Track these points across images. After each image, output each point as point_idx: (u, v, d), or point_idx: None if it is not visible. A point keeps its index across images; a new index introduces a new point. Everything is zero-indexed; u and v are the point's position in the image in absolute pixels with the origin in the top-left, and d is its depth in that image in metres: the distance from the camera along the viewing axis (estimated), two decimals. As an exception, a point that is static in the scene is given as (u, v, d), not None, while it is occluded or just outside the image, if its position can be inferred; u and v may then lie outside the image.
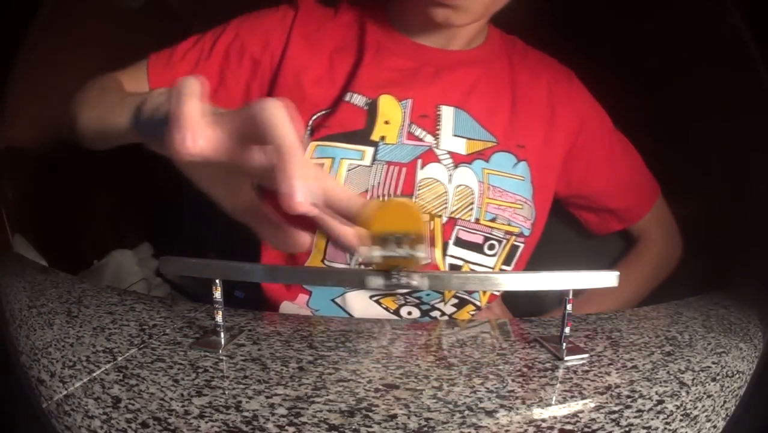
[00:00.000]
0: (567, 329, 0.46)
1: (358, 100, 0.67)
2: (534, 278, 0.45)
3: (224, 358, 0.46)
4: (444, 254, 0.65)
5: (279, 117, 0.33)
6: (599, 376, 0.44)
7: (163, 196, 1.02)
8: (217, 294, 0.47)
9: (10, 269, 0.69)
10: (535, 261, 0.73)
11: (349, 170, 0.63)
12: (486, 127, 0.68)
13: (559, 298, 0.46)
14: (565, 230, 0.84)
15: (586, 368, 0.45)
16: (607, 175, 0.76)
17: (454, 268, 0.65)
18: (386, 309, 0.67)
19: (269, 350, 0.47)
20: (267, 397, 0.40)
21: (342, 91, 0.68)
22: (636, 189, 0.78)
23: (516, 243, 0.68)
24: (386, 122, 0.66)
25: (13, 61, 0.49)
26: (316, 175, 0.34)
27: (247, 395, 0.40)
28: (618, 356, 0.47)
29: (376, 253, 0.37)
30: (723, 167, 0.78)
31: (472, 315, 0.69)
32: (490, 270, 0.67)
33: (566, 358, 0.46)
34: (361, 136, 0.65)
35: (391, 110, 0.66)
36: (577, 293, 0.45)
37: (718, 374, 0.45)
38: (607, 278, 0.45)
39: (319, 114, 0.68)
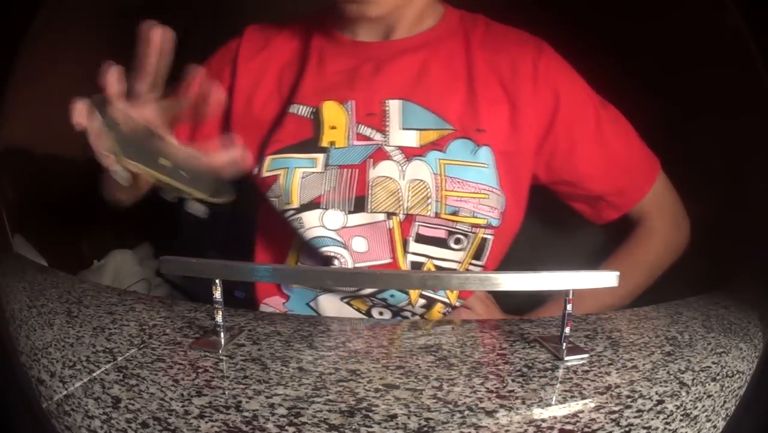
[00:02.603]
0: (567, 329, 0.46)
1: (302, 110, 0.68)
2: (534, 278, 0.45)
3: (224, 358, 0.46)
4: (405, 251, 0.64)
5: None
6: (599, 376, 0.44)
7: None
8: (217, 294, 0.47)
9: (10, 269, 0.69)
10: (534, 260, 0.72)
11: (303, 178, 0.64)
12: (439, 114, 0.66)
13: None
14: (560, 225, 0.82)
15: (586, 368, 0.45)
16: (593, 157, 0.69)
17: (416, 265, 0.65)
18: (357, 310, 0.67)
19: (269, 350, 0.47)
20: (267, 397, 0.40)
21: (288, 104, 0.69)
22: (628, 170, 0.71)
23: (485, 236, 0.66)
24: (332, 127, 0.66)
25: (13, 62, 0.49)
26: None
27: (247, 395, 0.40)
28: (618, 356, 0.47)
29: None
30: (723, 167, 0.78)
31: (445, 313, 0.67)
32: (458, 265, 0.65)
33: (566, 358, 0.46)
34: (311, 144, 0.66)
35: (335, 115, 0.67)
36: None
37: (718, 374, 0.45)
38: (606, 278, 0.45)
39: (270, 132, 0.69)
